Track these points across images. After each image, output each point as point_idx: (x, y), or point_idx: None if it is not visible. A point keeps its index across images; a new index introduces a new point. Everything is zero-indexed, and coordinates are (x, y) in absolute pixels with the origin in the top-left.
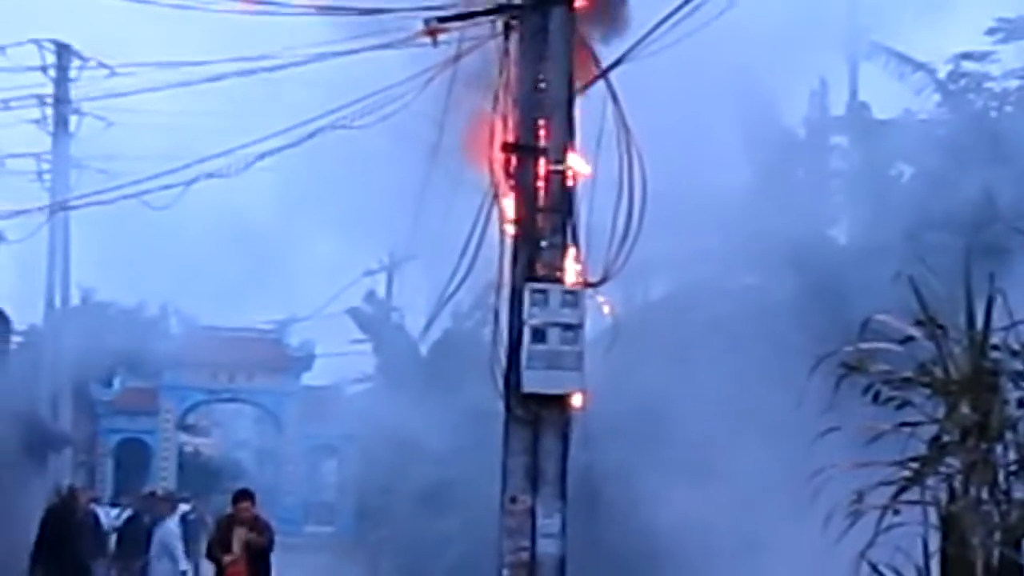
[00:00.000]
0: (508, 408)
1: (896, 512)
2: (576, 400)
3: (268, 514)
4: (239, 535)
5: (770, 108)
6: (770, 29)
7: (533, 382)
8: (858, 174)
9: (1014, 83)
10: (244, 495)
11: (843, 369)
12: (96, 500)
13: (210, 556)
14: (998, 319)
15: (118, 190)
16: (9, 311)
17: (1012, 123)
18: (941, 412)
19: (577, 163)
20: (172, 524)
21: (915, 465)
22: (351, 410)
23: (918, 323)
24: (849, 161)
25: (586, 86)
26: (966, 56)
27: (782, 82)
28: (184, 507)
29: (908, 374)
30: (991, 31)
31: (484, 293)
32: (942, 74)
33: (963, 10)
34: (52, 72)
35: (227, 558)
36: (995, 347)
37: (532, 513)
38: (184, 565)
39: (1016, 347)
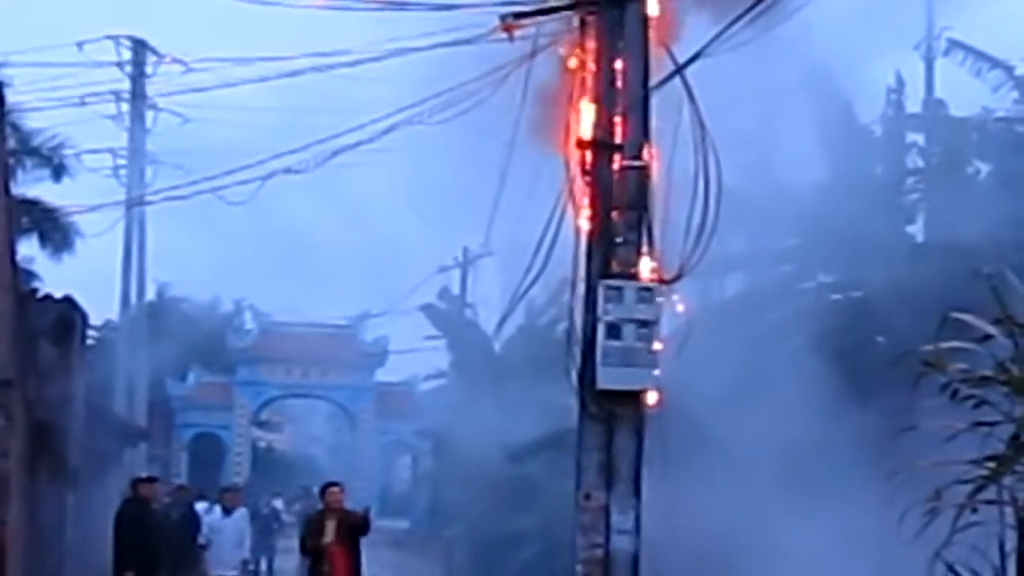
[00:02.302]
0: (582, 405)
1: (974, 511)
2: (651, 397)
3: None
4: (331, 526)
5: (846, 105)
6: (846, 26)
7: (608, 379)
8: (935, 172)
9: None
10: (333, 483)
11: (921, 367)
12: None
13: (304, 550)
14: None
15: (194, 185)
16: (85, 306)
17: None
18: (1019, 411)
19: (653, 159)
20: (240, 515)
21: (992, 464)
22: (425, 406)
23: (997, 321)
24: (926, 159)
25: (662, 82)
26: None
27: (858, 79)
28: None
29: (986, 373)
30: None
31: (558, 290)
32: (1020, 71)
33: None
34: (128, 68)
35: (324, 540)
36: None
37: (606, 510)
38: (246, 553)
39: None
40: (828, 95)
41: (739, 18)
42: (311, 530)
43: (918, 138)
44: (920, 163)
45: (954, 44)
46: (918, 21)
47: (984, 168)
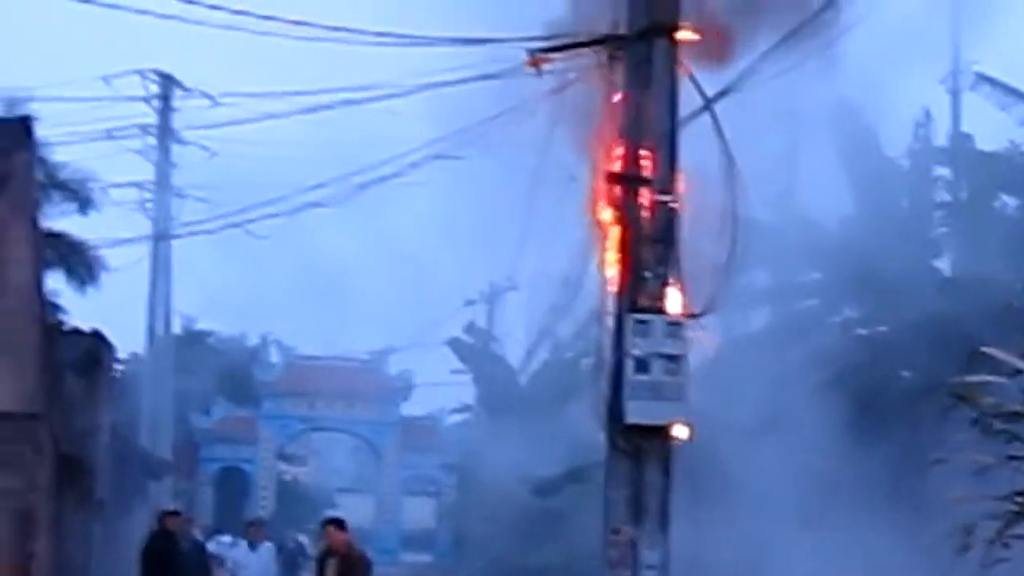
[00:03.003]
0: (610, 439)
1: (1006, 546)
2: (679, 431)
3: (365, 543)
4: (332, 565)
5: (872, 138)
6: (873, 58)
7: (636, 413)
8: (962, 206)
9: None
10: (330, 521)
11: (953, 400)
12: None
13: None
14: None
15: (222, 219)
16: (112, 339)
17: None
18: None
19: (681, 193)
20: (265, 549)
21: (1022, 499)
22: (450, 440)
23: None
24: (952, 193)
25: (690, 117)
26: None
27: (885, 112)
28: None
29: (1017, 407)
30: None
31: (585, 324)
32: None
33: None
34: (155, 102)
35: None
36: None
37: (634, 545)
38: None
39: None
40: (854, 127)
41: (770, 51)
42: (315, 570)
43: (945, 172)
44: (947, 197)
45: (981, 78)
46: (945, 54)
47: (1011, 202)
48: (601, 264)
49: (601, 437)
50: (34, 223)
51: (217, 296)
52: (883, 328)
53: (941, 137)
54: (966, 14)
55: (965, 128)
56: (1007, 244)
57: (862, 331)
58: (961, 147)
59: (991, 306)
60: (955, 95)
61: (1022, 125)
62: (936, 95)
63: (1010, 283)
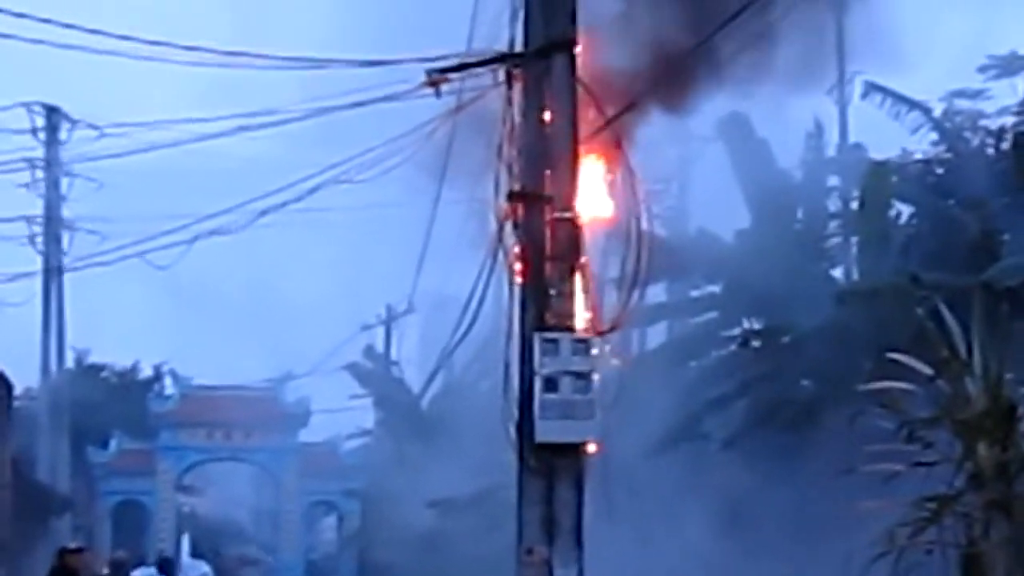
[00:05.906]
0: (521, 458)
1: (929, 552)
2: (589, 447)
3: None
4: None
5: (765, 150)
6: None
7: (547, 432)
8: (857, 215)
9: (1009, 120)
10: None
11: (863, 408)
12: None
13: None
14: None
15: (120, 250)
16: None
17: (1009, 160)
18: (958, 452)
19: (584, 210)
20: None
21: (932, 505)
22: (349, 465)
23: (944, 362)
24: (845, 202)
25: (592, 135)
26: (959, 94)
27: (778, 126)
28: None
29: (934, 414)
30: (983, 68)
31: (483, 346)
32: (937, 112)
33: (954, 48)
34: (42, 135)
35: None
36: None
37: (549, 564)
38: None
39: None
40: (747, 140)
41: (670, 68)
42: None
43: (837, 182)
44: (841, 206)
45: (872, 87)
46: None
47: (905, 210)
48: (509, 283)
49: (507, 457)
50: None
51: (110, 328)
52: (783, 339)
53: (835, 148)
54: (851, 23)
55: (859, 137)
56: (903, 252)
57: (763, 342)
58: (852, 157)
59: (888, 315)
60: (842, 106)
61: (914, 133)
62: (831, 106)
63: (906, 291)
